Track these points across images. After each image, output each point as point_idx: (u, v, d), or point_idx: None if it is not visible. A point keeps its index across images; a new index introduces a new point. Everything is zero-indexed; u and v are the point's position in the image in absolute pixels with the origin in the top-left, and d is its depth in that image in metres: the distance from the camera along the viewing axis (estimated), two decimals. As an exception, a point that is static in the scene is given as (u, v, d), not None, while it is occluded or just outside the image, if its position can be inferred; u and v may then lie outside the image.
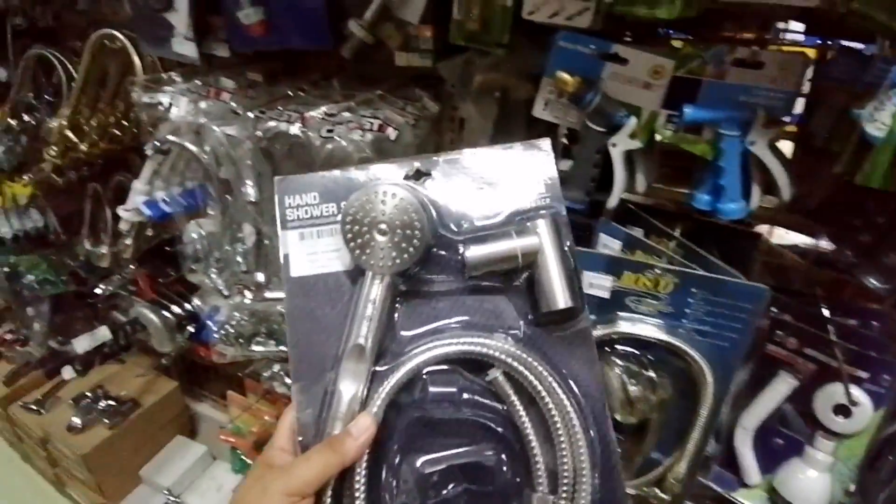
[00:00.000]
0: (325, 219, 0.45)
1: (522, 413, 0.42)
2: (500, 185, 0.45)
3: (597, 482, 0.41)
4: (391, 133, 0.80)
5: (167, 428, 1.69)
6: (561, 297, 0.42)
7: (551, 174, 0.44)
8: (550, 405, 0.41)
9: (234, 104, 0.84)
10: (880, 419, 0.58)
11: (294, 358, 0.44)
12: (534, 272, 0.42)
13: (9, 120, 1.36)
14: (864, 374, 0.59)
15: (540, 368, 0.42)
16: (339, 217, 0.42)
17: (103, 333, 1.52)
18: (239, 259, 0.97)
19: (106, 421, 1.54)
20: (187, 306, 1.55)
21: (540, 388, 0.41)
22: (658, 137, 0.64)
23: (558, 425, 0.41)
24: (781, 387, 0.65)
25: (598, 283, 0.63)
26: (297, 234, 0.45)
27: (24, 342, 1.83)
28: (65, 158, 1.18)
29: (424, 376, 0.43)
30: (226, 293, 1.01)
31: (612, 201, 0.67)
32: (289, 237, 0.45)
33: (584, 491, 0.41)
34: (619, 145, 0.64)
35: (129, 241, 1.35)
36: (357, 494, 0.40)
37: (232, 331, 1.09)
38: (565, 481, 0.41)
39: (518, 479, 0.43)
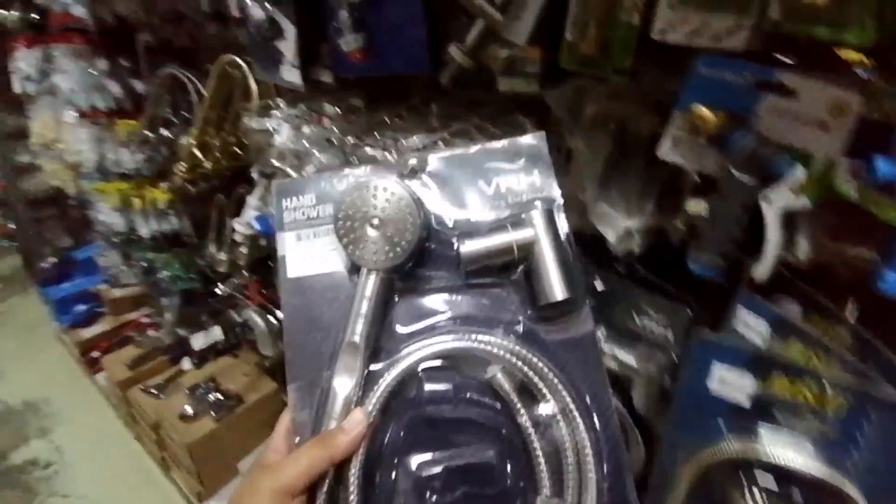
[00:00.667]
0: (322, 220, 0.46)
1: (523, 411, 0.41)
2: (494, 179, 0.45)
3: (605, 484, 0.40)
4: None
5: (266, 425, 1.76)
6: (558, 290, 0.41)
7: (546, 167, 0.45)
8: (552, 402, 0.40)
9: (334, 130, 0.81)
10: None
11: (290, 358, 0.44)
12: (530, 265, 0.42)
13: (146, 132, 1.50)
14: None
15: (541, 365, 0.40)
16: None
17: (216, 333, 1.62)
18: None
19: (213, 413, 1.63)
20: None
21: (541, 385, 0.40)
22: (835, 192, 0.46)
23: (561, 423, 0.40)
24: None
25: (733, 383, 0.48)
26: (294, 236, 0.46)
27: (158, 327, 2.04)
28: (192, 174, 1.27)
29: (420, 374, 0.42)
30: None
31: (762, 271, 0.51)
32: (286, 238, 0.46)
33: (591, 492, 0.39)
34: (777, 201, 0.48)
35: (243, 250, 1.41)
36: (351, 497, 0.39)
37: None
38: (570, 483, 0.39)
39: (521, 482, 0.42)
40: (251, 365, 1.85)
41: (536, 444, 0.40)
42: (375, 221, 0.42)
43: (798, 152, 0.48)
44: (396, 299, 0.44)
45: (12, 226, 2.67)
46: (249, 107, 0.95)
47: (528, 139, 0.45)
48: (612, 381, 0.69)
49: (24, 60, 1.81)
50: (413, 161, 0.45)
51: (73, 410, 2.21)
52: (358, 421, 0.40)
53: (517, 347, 0.41)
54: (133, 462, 1.92)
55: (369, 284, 0.42)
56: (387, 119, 0.85)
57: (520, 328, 0.43)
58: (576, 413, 0.40)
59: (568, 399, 0.40)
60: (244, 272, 1.61)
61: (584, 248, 0.80)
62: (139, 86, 1.63)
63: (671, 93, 0.55)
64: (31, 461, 2.03)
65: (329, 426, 0.40)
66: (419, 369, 0.42)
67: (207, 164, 1.22)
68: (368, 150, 0.83)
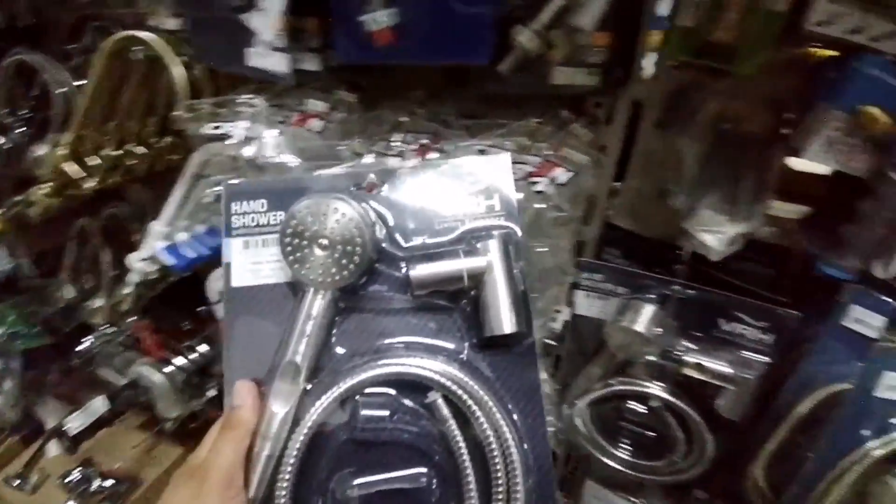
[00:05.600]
0: (273, 227, 0.45)
1: (459, 438, 0.42)
2: (454, 199, 0.45)
3: None
4: (560, 175, 0.60)
5: (176, 504, 1.39)
6: (507, 322, 0.42)
7: (508, 190, 0.45)
8: (489, 432, 0.41)
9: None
10: None
11: (229, 373, 0.44)
12: (480, 294, 0.43)
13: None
14: None
15: (481, 394, 0.42)
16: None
17: (98, 405, 1.23)
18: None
19: (105, 508, 1.24)
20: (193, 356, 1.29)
21: (479, 414, 0.41)
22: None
23: (495, 452, 0.41)
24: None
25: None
26: (242, 242, 0.46)
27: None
28: (60, 197, 0.89)
29: (357, 398, 0.43)
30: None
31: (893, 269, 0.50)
32: (233, 245, 0.46)
33: None
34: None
35: (128, 290, 1.08)
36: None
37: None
38: None
39: None
40: (138, 430, 1.46)
41: (469, 471, 0.42)
42: (324, 241, 0.42)
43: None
44: (340, 317, 0.45)
45: None
46: (199, 107, 0.67)
47: (493, 160, 0.45)
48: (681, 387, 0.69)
49: None
50: (372, 176, 0.45)
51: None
52: (245, 391, 0.42)
53: (459, 375, 0.42)
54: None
55: (315, 304, 0.42)
56: (403, 119, 0.67)
57: (463, 356, 0.44)
58: (511, 444, 0.41)
59: (506, 430, 0.41)
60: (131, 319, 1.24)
61: (648, 252, 0.74)
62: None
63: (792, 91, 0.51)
64: None
65: (264, 448, 0.41)
66: (358, 391, 0.43)
67: (90, 183, 0.87)
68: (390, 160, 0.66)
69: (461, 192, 0.44)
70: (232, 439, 0.40)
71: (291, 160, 0.65)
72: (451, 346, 0.44)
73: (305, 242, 0.41)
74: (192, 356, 1.29)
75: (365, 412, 0.43)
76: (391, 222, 0.45)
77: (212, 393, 1.26)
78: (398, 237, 0.45)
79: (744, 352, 0.65)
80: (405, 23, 0.59)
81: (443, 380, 0.41)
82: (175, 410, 1.30)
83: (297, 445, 0.41)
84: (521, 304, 0.42)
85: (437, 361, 0.42)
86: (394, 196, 0.45)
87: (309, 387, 0.43)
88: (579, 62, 0.65)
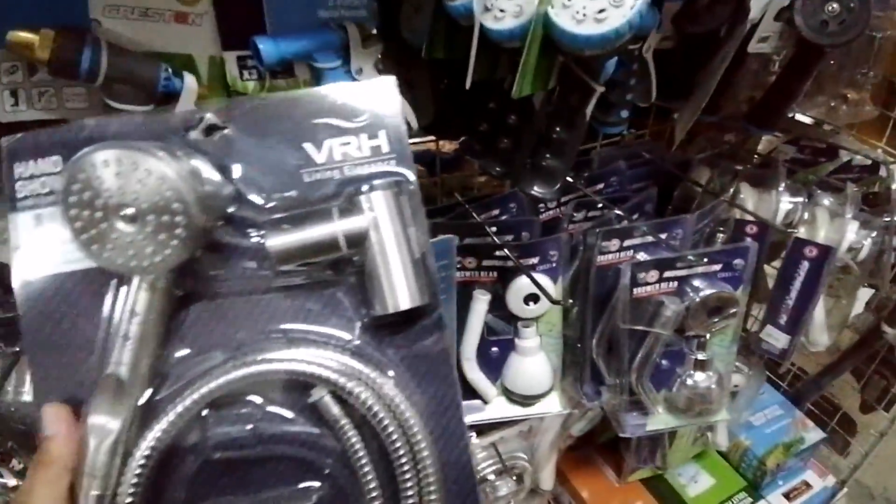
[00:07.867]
0: None
1: (356, 441, 0.35)
2: (326, 141, 0.35)
3: None
4: None
5: None
6: (402, 295, 0.34)
7: (397, 125, 0.35)
8: (391, 429, 0.35)
9: None
10: (562, 290, 0.63)
11: (38, 395, 0.34)
12: (366, 262, 0.34)
13: None
14: (535, 260, 0.61)
15: (380, 383, 0.35)
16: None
17: None
18: None
19: None
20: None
21: (377, 409, 0.34)
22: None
23: (402, 454, 0.35)
24: (480, 305, 0.66)
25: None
26: (32, 217, 0.34)
27: None
28: None
29: (206, 412, 0.35)
30: None
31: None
32: (20, 222, 0.34)
33: None
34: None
35: None
36: None
37: None
38: None
39: None
40: None
41: (371, 476, 0.35)
42: (128, 212, 0.30)
43: (176, 58, 0.38)
44: (181, 308, 0.34)
45: None
46: None
47: (375, 85, 0.35)
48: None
49: None
50: (210, 115, 0.33)
51: None
52: (54, 417, 0.33)
53: (350, 363, 0.35)
54: None
55: (139, 296, 0.32)
56: None
57: (356, 341, 0.36)
58: (423, 445, 0.35)
59: (414, 426, 0.35)
60: None
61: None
62: None
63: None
64: None
65: (91, 487, 0.32)
66: (211, 402, 0.34)
67: None
68: None
69: (337, 131, 0.34)
70: (46, 481, 0.31)
71: None
72: (336, 330, 0.35)
73: (100, 215, 0.30)
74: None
75: (219, 430, 0.34)
76: (238, 175, 0.34)
77: None
78: (253, 196, 0.34)
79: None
80: None
81: (328, 373, 0.33)
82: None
83: (133, 480, 0.32)
84: (421, 269, 0.35)
85: (318, 350, 0.34)
86: (244, 141, 0.34)
87: (141, 403, 0.33)
88: None
